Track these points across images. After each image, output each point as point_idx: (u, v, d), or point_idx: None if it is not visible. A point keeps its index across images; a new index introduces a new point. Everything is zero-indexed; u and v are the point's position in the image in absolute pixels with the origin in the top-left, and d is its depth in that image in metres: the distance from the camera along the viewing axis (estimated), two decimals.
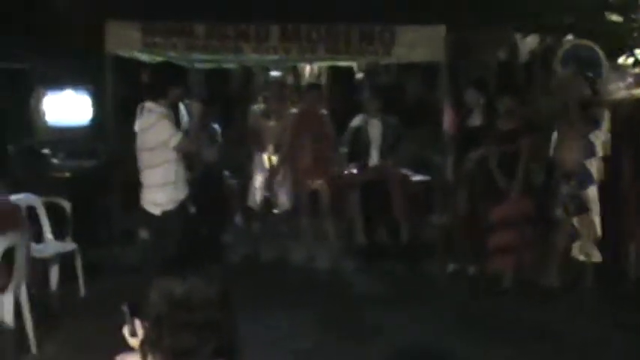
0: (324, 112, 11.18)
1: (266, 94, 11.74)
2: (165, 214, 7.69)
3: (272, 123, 10.97)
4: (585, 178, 9.04)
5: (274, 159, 10.88)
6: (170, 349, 2.88)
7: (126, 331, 3.10)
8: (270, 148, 10.96)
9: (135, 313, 3.08)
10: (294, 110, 11.37)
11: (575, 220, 9.14)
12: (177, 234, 7.73)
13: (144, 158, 7.75)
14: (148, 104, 7.67)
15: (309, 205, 10.89)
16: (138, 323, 3.06)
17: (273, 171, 10.87)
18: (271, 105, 11.18)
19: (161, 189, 7.68)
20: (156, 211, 7.72)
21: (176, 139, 7.54)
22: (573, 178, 9.07)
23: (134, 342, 3.07)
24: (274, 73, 14.31)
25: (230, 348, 2.96)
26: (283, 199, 10.91)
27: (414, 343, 7.67)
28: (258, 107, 11.54)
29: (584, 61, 9.90)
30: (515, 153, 9.39)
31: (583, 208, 9.07)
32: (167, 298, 2.90)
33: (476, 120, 10.07)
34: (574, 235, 9.17)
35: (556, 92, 10.34)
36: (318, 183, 10.77)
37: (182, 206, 7.78)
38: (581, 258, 9.16)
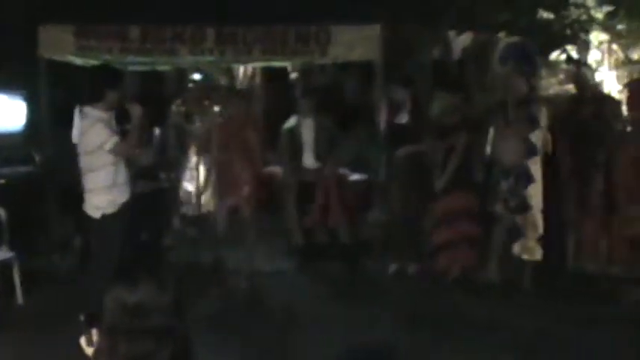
0: (249, 119, 10.57)
1: (185, 97, 11.72)
2: (105, 218, 7.63)
3: (194, 125, 11.00)
4: (526, 177, 9.12)
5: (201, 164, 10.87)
6: (126, 357, 2.86)
7: (83, 340, 3.07)
8: (194, 150, 10.96)
9: (92, 322, 3.06)
10: (217, 113, 11.21)
11: (517, 219, 9.22)
12: (117, 238, 7.67)
13: (84, 162, 7.72)
14: (86, 108, 7.64)
15: (226, 223, 10.24)
16: (94, 332, 3.04)
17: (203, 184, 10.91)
18: (190, 107, 11.12)
19: (101, 192, 7.64)
20: (96, 214, 7.66)
21: (111, 142, 7.49)
22: (512, 175, 9.15)
23: (90, 351, 3.04)
24: (197, 76, 14.19)
25: (185, 353, 2.95)
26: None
27: (357, 343, 7.67)
28: (177, 109, 11.53)
29: (520, 58, 9.97)
30: (454, 148, 9.50)
31: (524, 207, 9.15)
32: (121, 306, 2.89)
33: (403, 117, 10.13)
34: (517, 234, 9.25)
35: (494, 89, 10.43)
36: (239, 197, 9.98)
37: (122, 210, 7.71)
38: (524, 256, 9.24)
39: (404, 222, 10.11)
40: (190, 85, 13.61)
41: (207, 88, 13.51)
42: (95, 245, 8.09)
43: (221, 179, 10.26)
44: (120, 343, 2.87)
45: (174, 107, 11.63)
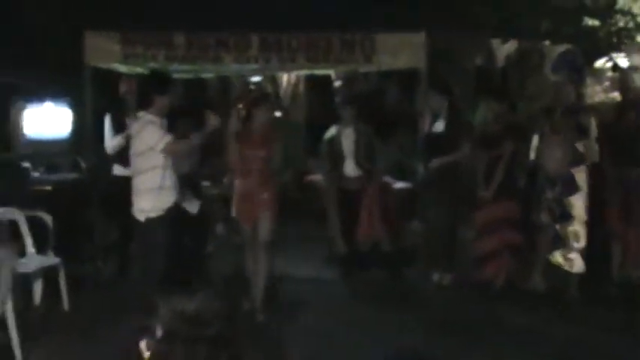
0: (272, 127, 9.48)
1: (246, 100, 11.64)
2: (149, 221, 7.67)
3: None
4: (571, 186, 9.05)
5: None
6: None
7: (143, 345, 3.10)
8: None
9: (147, 328, 3.10)
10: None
11: (558, 228, 9.16)
12: (160, 242, 7.71)
13: (134, 164, 7.81)
14: (139, 113, 7.74)
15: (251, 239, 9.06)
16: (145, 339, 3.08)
17: None
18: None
19: (147, 195, 7.69)
20: (141, 217, 7.71)
21: (164, 142, 7.55)
22: (558, 184, 9.09)
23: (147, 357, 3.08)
24: (256, 78, 14.18)
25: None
26: None
27: (398, 350, 7.67)
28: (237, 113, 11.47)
29: (570, 66, 9.93)
30: (500, 157, 9.46)
31: (567, 216, 9.09)
32: (178, 314, 2.92)
33: (441, 125, 10.09)
34: (558, 243, 9.19)
35: (537, 97, 10.39)
36: (259, 212, 8.92)
37: (168, 214, 7.74)
38: (565, 267, 9.18)
39: (439, 231, 10.06)
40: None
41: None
42: (138, 249, 8.13)
43: (240, 193, 9.04)
44: (176, 350, 2.90)
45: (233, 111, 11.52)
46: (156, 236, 7.71)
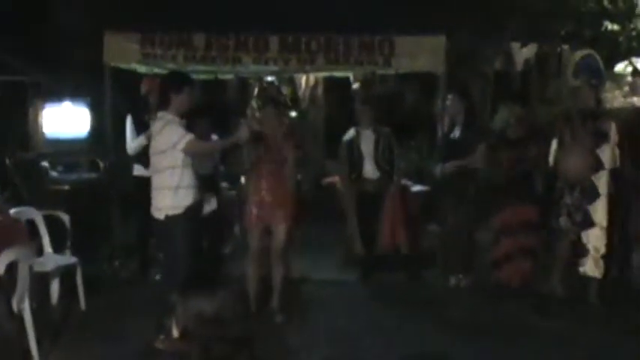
0: (283, 129, 9.33)
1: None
2: (168, 219, 7.68)
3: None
4: (592, 192, 9.00)
5: None
6: None
7: (161, 344, 3.13)
8: None
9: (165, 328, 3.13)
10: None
11: (582, 235, 9.11)
12: (180, 239, 7.70)
13: (153, 162, 7.81)
14: (159, 113, 7.74)
15: (260, 250, 8.92)
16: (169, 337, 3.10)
17: None
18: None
19: (165, 193, 7.69)
20: (160, 216, 7.71)
21: (185, 141, 7.56)
22: (577, 189, 9.04)
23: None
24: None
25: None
26: None
27: (416, 353, 7.67)
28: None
29: (590, 71, 9.88)
30: (523, 161, 9.44)
31: (589, 223, 9.04)
32: (198, 315, 2.93)
33: (458, 129, 10.07)
34: (582, 250, 9.14)
35: (556, 102, 10.35)
36: (273, 219, 8.79)
37: (186, 213, 7.74)
38: (588, 273, 9.12)
39: (457, 234, 10.05)
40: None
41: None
42: (158, 247, 8.10)
43: (254, 200, 8.91)
44: (195, 350, 2.90)
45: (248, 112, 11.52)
46: (175, 235, 7.70)
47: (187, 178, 7.71)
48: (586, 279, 9.16)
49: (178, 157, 7.59)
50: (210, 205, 10.07)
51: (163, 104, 7.79)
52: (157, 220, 7.77)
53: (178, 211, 7.68)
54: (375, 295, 9.96)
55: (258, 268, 8.83)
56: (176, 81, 8.03)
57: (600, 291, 9.16)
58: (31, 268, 7.35)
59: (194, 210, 7.88)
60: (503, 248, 9.61)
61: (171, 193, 7.65)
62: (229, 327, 2.93)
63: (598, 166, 9.01)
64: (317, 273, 10.45)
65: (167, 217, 7.68)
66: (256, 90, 13.02)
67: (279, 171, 8.76)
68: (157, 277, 9.79)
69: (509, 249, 9.55)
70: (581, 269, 9.13)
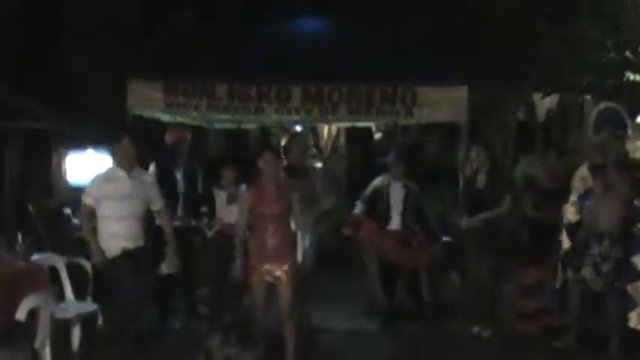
0: (283, 178, 8.86)
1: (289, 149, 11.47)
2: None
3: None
4: (635, 244, 8.92)
5: None
6: None
7: None
8: None
9: None
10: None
11: (629, 288, 8.99)
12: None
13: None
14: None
15: (263, 307, 8.39)
16: None
17: None
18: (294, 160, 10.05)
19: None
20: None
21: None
22: (607, 239, 8.93)
23: None
24: (298, 127, 14.10)
25: None
26: None
27: None
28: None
29: (615, 121, 9.83)
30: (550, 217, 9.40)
31: (635, 275, 8.93)
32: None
33: (481, 180, 10.03)
34: (629, 303, 9.00)
35: (580, 152, 10.29)
36: (276, 275, 8.24)
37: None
38: (637, 326, 8.98)
39: (481, 285, 9.99)
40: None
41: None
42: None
43: (254, 253, 8.34)
44: None
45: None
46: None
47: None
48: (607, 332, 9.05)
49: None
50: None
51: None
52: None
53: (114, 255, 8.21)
54: (396, 346, 9.89)
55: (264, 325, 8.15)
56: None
57: (621, 343, 9.06)
58: (52, 314, 7.36)
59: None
60: (530, 305, 9.57)
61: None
62: None
63: (638, 216, 8.95)
64: (338, 323, 10.37)
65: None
66: (284, 140, 12.98)
67: (281, 222, 8.31)
68: (177, 326, 9.83)
69: (535, 307, 9.52)
70: (632, 322, 8.98)
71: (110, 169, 8.56)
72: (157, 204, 8.67)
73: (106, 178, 8.47)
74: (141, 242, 8.44)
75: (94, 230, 8.42)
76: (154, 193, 8.66)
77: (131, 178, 8.38)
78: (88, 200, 8.47)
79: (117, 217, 8.25)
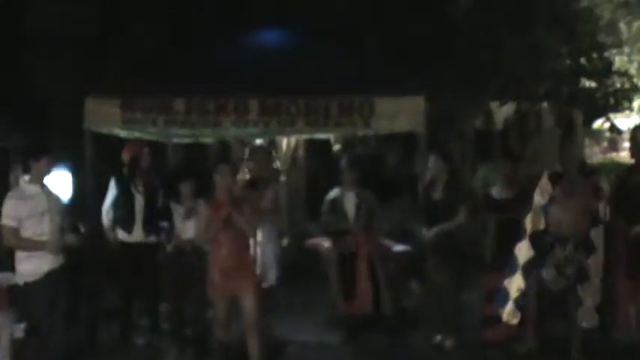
0: (240, 194, 8.88)
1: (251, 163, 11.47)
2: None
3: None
4: (589, 248, 9.00)
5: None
6: None
7: None
8: None
9: None
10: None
11: (578, 288, 9.06)
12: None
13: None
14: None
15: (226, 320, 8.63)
16: None
17: None
18: (256, 173, 10.89)
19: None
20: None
21: None
22: (570, 243, 8.99)
23: None
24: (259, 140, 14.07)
25: None
26: None
27: None
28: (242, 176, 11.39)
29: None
30: (512, 222, 9.43)
31: (585, 277, 9.01)
32: None
33: (439, 190, 10.05)
34: (578, 303, 9.08)
35: (536, 160, 10.38)
36: (237, 290, 8.44)
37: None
38: (582, 323, 9.07)
39: (442, 295, 10.00)
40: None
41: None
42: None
43: (215, 269, 8.55)
44: None
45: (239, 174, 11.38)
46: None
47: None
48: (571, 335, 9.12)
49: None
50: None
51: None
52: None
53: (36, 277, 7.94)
54: (360, 357, 9.91)
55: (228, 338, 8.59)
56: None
57: (586, 346, 9.13)
58: (11, 334, 7.31)
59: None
60: (492, 308, 9.61)
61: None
62: None
63: (595, 220, 9.04)
64: (300, 335, 10.36)
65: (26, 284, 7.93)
66: (247, 153, 12.94)
67: (239, 235, 8.43)
68: (140, 342, 9.80)
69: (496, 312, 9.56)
70: (579, 322, 9.07)
71: (22, 186, 8.29)
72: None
73: (20, 196, 8.14)
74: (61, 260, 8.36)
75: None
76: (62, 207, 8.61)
77: (44, 194, 8.27)
78: (9, 222, 7.99)
79: (39, 235, 8.08)
